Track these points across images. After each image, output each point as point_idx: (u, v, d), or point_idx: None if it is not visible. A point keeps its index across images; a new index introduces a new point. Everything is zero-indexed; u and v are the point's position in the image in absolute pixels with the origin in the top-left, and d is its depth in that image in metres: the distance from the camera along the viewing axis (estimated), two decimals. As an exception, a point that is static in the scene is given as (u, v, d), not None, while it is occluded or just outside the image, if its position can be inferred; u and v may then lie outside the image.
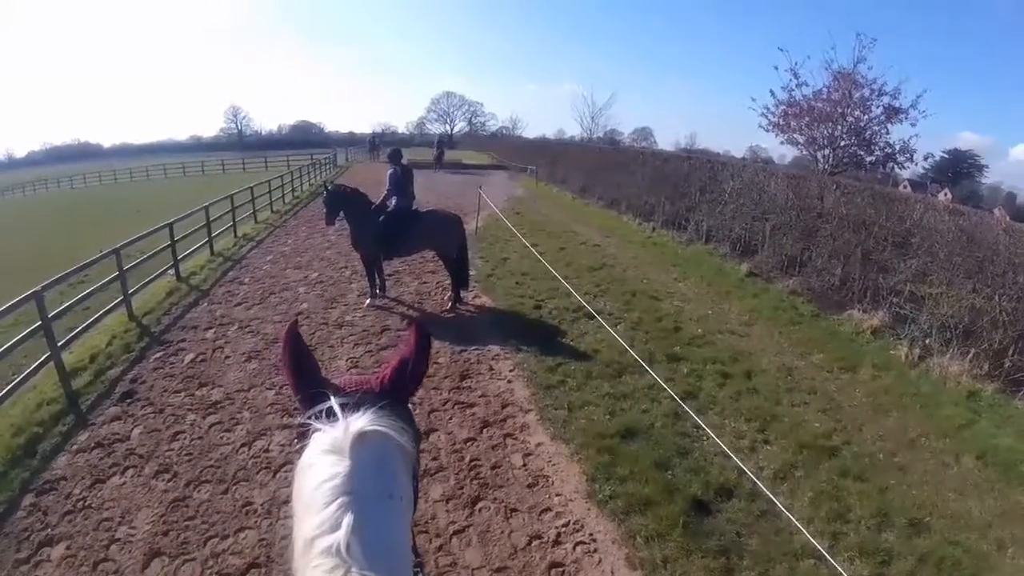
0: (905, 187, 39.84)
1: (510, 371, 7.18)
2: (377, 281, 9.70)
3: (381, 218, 9.26)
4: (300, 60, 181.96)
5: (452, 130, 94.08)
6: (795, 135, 19.90)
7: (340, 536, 0.92)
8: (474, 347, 7.86)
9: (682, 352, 7.89)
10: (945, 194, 46.17)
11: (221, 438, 5.70)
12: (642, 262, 13.22)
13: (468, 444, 5.65)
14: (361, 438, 1.06)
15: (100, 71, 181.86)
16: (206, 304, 9.77)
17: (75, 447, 5.57)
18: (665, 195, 17.70)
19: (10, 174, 74.29)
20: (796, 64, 18.65)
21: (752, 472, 4.77)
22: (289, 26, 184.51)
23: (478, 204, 15.52)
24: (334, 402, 1.14)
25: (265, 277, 11.32)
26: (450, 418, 6.10)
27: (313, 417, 1.13)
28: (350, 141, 76.24)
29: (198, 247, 12.71)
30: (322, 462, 1.04)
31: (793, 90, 18.84)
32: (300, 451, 1.14)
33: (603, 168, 24.02)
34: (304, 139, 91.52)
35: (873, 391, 7.15)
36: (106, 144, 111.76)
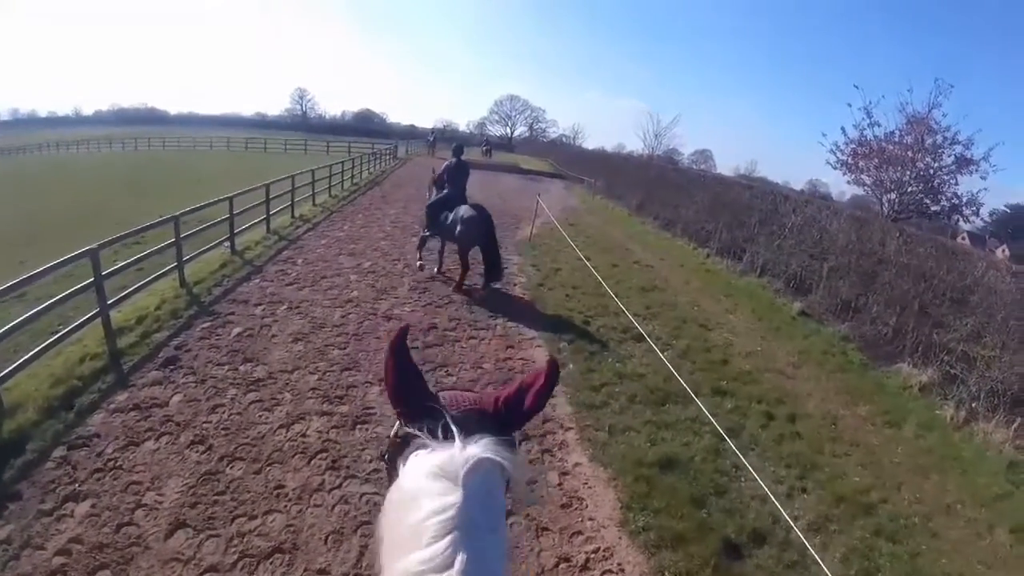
0: (963, 239, 38.34)
1: (554, 385, 6.95)
2: (433, 256, 11.08)
3: (430, 201, 10.42)
4: (368, 51, 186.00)
5: (512, 134, 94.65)
6: (863, 176, 19.23)
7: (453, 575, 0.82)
8: (520, 357, 7.68)
9: (728, 387, 7.58)
10: (1004, 251, 44.21)
11: (260, 417, 5.63)
12: (694, 288, 12.85)
13: (505, 456, 5.45)
14: (477, 466, 0.92)
15: (172, 38, 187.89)
16: (258, 280, 9.79)
17: (112, 406, 5.56)
18: (723, 222, 17.23)
19: (76, 130, 76.77)
20: (870, 103, 18.03)
21: (788, 520, 4.56)
22: (360, 16, 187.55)
23: (535, 211, 15.30)
24: (448, 419, 1.00)
25: (318, 260, 11.33)
26: (489, 426, 5.90)
27: (421, 432, 1.00)
28: (411, 134, 77.18)
29: (255, 223, 12.84)
30: (431, 488, 0.91)
31: (865, 129, 18.21)
32: (391, 464, 1.05)
33: (662, 187, 23.62)
34: (366, 127, 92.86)
35: (915, 450, 6.81)
36: (172, 111, 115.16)
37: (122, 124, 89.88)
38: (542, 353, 7.85)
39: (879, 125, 17.90)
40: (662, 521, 4.78)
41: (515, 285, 11.03)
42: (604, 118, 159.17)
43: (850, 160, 18.66)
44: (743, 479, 5.46)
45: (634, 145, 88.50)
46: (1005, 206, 62.21)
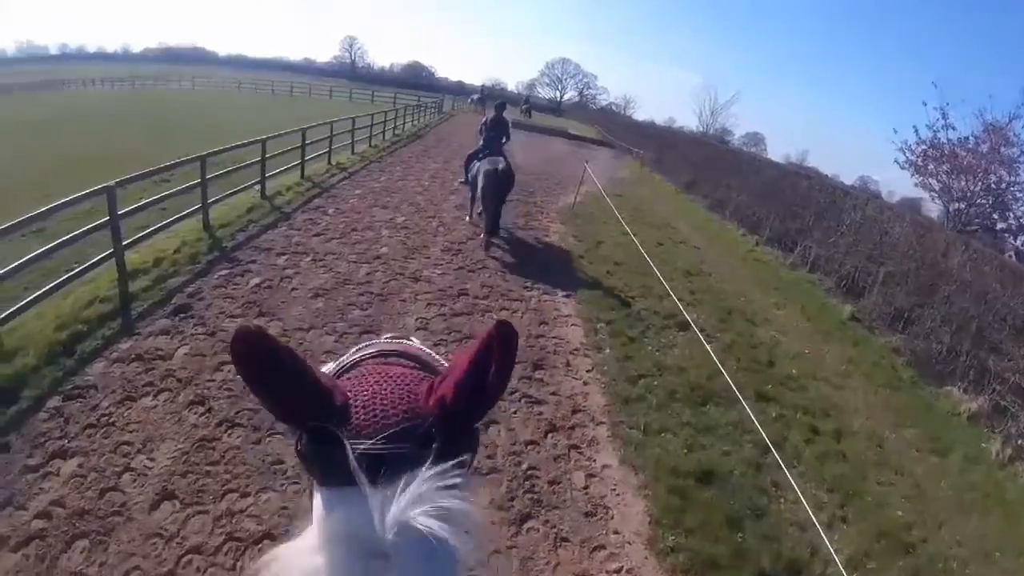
0: (1011, 256, 36.25)
1: (587, 371, 6.41)
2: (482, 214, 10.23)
3: (479, 175, 9.88)
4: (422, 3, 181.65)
5: (562, 97, 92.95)
6: (931, 180, 17.81)
7: None
8: (553, 335, 7.13)
9: (773, 392, 6.92)
10: None
11: (266, 379, 5.20)
12: (741, 277, 12.11)
13: (529, 448, 4.95)
14: (407, 531, 0.60)
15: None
16: (285, 228, 9.40)
17: (114, 355, 5.21)
18: (775, 210, 16.31)
19: (124, 66, 77.10)
20: (947, 104, 16.53)
21: (830, 553, 4.07)
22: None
23: (581, 178, 14.58)
24: (361, 437, 0.68)
25: (350, 211, 10.90)
26: (515, 412, 5.40)
27: (320, 468, 0.69)
28: (459, 90, 75.97)
29: (289, 167, 12.42)
30: (341, 564, 0.61)
31: (939, 131, 16.74)
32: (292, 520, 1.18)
33: (714, 167, 22.55)
34: (414, 80, 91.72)
35: (959, 485, 6.15)
36: (221, 53, 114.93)
37: (170, 62, 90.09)
38: (578, 333, 7.30)
39: (954, 128, 16.44)
40: (695, 543, 4.25)
41: (554, 255, 10.43)
42: (655, 90, 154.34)
43: (919, 162, 17.25)
44: (783, 500, 4.92)
45: (684, 120, 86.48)
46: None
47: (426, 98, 39.97)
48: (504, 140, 10.78)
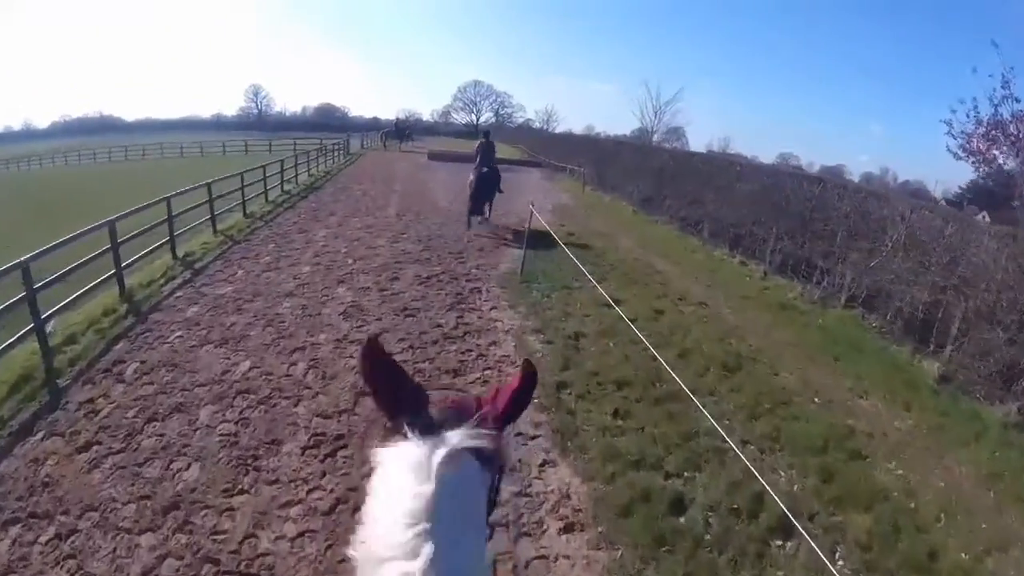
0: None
1: None
2: (478, 217, 13.77)
3: (472, 178, 13.44)
4: (325, 44, 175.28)
5: (478, 120, 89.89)
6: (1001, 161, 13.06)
7: (416, 567, 0.82)
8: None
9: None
10: (984, 217, 39.92)
11: None
12: (785, 342, 8.24)
13: None
14: (451, 459, 0.92)
15: (121, 43, 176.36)
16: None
17: None
18: (783, 228, 12.57)
19: (33, 144, 70.39)
20: (1011, 69, 11.97)
21: None
22: (316, 10, 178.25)
23: (527, 225, 10.34)
24: (431, 414, 1.03)
25: (161, 365, 6.33)
26: None
27: (402, 425, 0.98)
28: (374, 126, 71.85)
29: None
30: (405, 479, 0.91)
31: (999, 104, 12.19)
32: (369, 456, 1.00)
33: (672, 177, 18.75)
34: (326, 123, 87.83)
35: None
36: (128, 118, 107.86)
37: (79, 134, 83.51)
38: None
39: (1018, 101, 11.99)
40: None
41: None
42: (572, 103, 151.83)
43: (980, 146, 12.57)
44: None
45: (612, 128, 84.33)
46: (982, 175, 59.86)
47: (330, 140, 35.37)
48: (493, 156, 14.34)
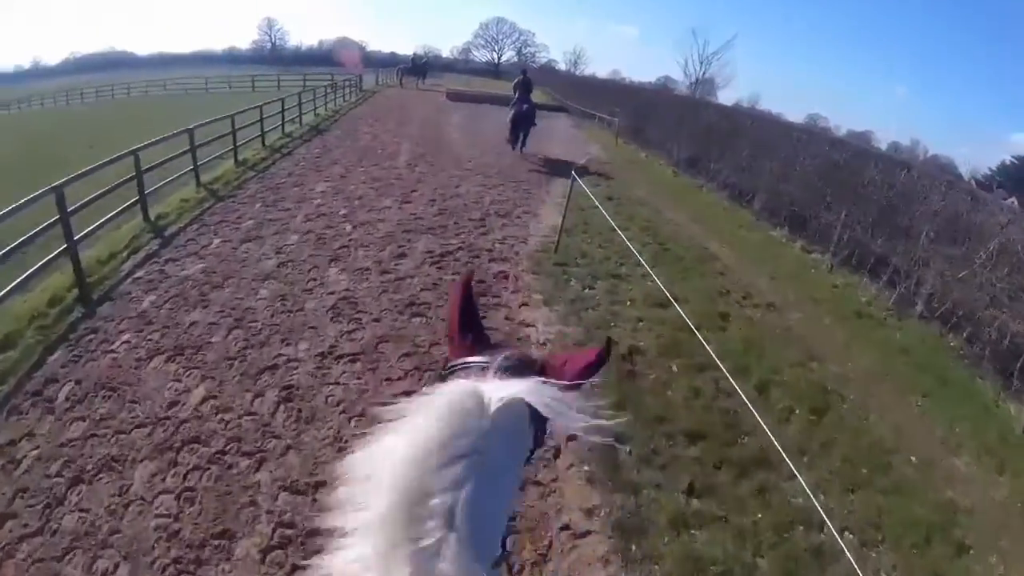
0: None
1: None
2: (518, 144, 15.51)
3: (512, 112, 15.30)
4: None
5: (499, 59, 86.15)
6: None
7: (456, 499, 0.79)
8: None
9: None
10: (1013, 202, 37.85)
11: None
12: (865, 369, 6.64)
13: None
14: (509, 404, 0.89)
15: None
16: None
17: None
18: (856, 215, 10.70)
19: (40, 83, 67.60)
20: None
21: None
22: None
23: (568, 196, 8.33)
24: (499, 360, 1.01)
25: (99, 388, 4.77)
26: None
27: (466, 365, 1.05)
28: (392, 61, 68.76)
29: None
30: (463, 409, 0.87)
31: None
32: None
33: (725, 140, 16.53)
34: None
35: None
36: (140, 53, 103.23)
37: (91, 71, 79.65)
38: None
39: None
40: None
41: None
42: (597, 45, 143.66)
43: None
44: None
45: (637, 75, 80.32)
46: (1012, 157, 57.79)
47: (342, 76, 33.05)
48: (530, 92, 15.76)
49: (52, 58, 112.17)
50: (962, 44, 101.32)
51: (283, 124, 16.83)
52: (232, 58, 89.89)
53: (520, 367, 1.01)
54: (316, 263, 7.13)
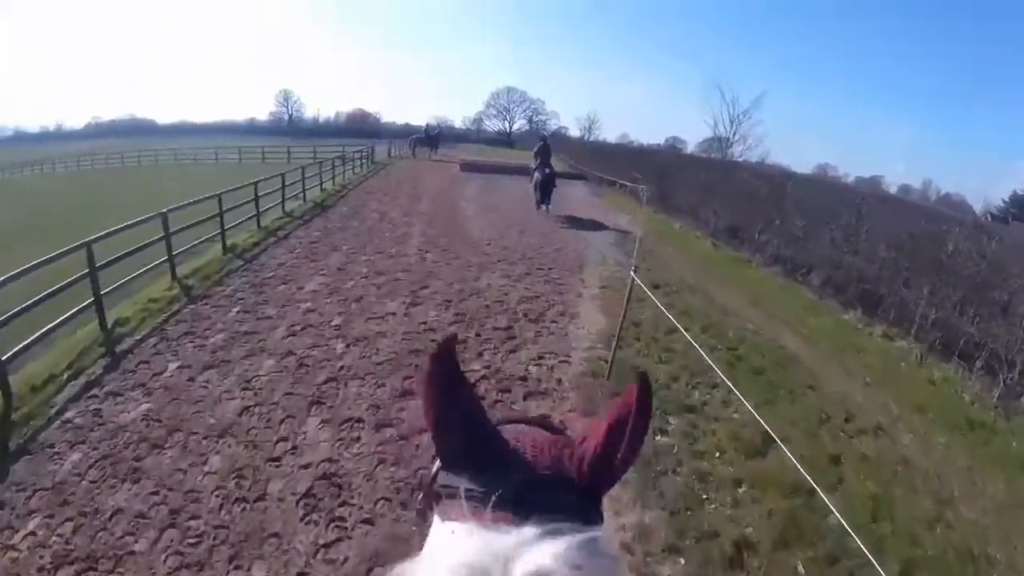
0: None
1: None
2: (543, 206, 16.96)
3: (536, 176, 17.08)
4: (359, 48, 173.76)
5: (511, 128, 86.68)
6: None
7: None
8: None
9: None
10: None
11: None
12: (1011, 526, 4.97)
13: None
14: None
15: (156, 44, 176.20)
16: None
17: None
18: (942, 293, 9.04)
19: (62, 146, 68.67)
20: None
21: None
22: (351, 14, 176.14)
23: (628, 295, 6.29)
24: (509, 473, 0.65)
25: None
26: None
27: (463, 491, 0.64)
28: (406, 132, 69.25)
29: None
30: None
31: None
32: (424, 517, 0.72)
33: (769, 206, 14.84)
34: (359, 128, 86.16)
35: None
36: (161, 121, 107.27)
37: (112, 136, 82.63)
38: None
39: None
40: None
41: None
42: (604, 107, 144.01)
43: None
44: None
45: (644, 136, 79.99)
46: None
47: (353, 147, 32.12)
48: (550, 157, 17.87)
49: (77, 121, 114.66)
50: (957, 69, 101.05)
51: (283, 202, 15.35)
52: (252, 129, 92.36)
53: (549, 483, 0.65)
54: (291, 409, 5.29)
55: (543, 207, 16.95)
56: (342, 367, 6.09)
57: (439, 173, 27.52)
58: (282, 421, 5.10)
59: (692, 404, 5.95)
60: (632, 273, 5.79)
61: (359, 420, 5.13)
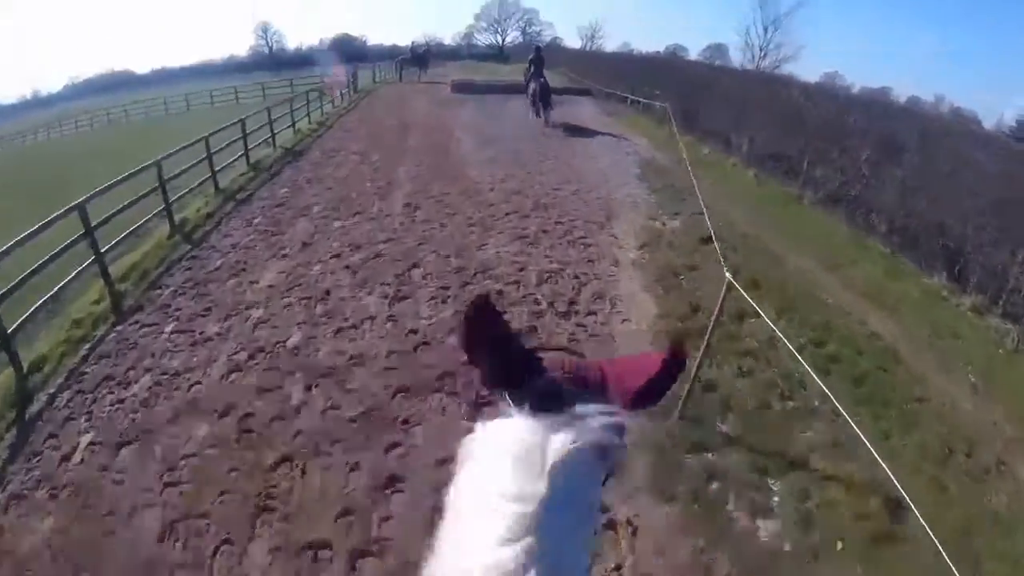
0: None
1: None
2: (541, 113, 16.52)
3: (532, 87, 16.63)
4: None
5: (504, 41, 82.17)
6: None
7: None
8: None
9: None
10: None
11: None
12: None
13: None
14: (570, 455, 0.69)
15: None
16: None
17: None
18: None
19: (43, 112, 64.47)
20: None
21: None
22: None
23: (720, 303, 4.33)
24: (546, 384, 0.80)
25: None
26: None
27: (509, 402, 0.76)
28: (393, 55, 65.29)
29: None
30: (511, 474, 0.69)
31: None
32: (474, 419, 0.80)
33: (822, 132, 12.47)
34: (345, 54, 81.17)
35: None
36: (140, 71, 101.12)
37: (92, 94, 77.49)
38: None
39: None
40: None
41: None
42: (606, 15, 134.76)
43: None
44: None
45: (644, 44, 74.87)
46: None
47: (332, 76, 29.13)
48: (543, 66, 17.10)
49: (54, 85, 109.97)
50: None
51: (246, 153, 13.11)
52: (233, 66, 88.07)
53: (574, 390, 0.79)
54: (228, 523, 3.48)
55: (543, 117, 16.60)
56: (298, 433, 4.22)
57: (429, 97, 24.69)
58: (216, 550, 3.30)
59: (797, 452, 4.13)
60: (728, 277, 3.80)
61: (324, 545, 3.32)
